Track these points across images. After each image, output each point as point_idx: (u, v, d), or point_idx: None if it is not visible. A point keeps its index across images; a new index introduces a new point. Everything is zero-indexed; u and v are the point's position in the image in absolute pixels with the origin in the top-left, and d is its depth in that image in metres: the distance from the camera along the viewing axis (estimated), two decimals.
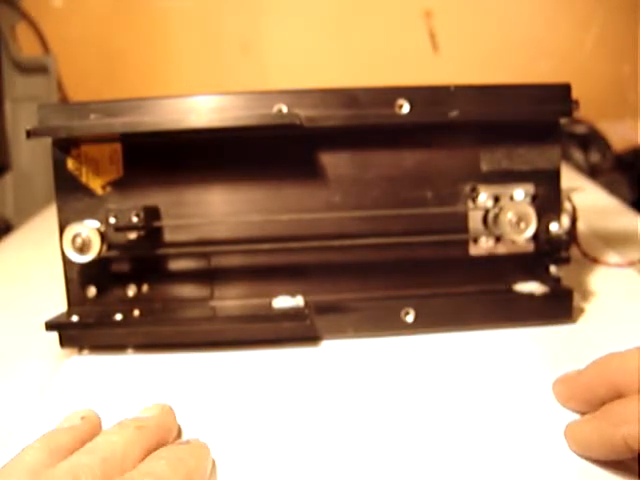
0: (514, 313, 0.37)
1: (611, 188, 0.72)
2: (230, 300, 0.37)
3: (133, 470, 0.23)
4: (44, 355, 0.36)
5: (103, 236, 0.35)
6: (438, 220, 0.37)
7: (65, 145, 0.35)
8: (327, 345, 0.36)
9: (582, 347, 0.34)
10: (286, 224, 0.37)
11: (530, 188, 0.38)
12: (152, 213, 0.36)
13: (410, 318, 0.37)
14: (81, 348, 0.36)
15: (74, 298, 0.36)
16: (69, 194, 0.36)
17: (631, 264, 0.45)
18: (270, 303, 0.36)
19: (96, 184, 0.36)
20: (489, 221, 0.37)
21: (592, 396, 0.27)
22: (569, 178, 0.66)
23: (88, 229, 0.34)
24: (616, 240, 0.50)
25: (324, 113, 0.35)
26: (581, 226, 0.46)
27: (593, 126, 0.94)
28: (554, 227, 0.37)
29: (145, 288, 0.37)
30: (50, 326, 0.34)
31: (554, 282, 0.38)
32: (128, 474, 0.22)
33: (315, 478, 0.25)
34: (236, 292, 0.37)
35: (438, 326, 0.37)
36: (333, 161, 0.37)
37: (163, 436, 0.26)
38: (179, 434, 0.28)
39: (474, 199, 0.38)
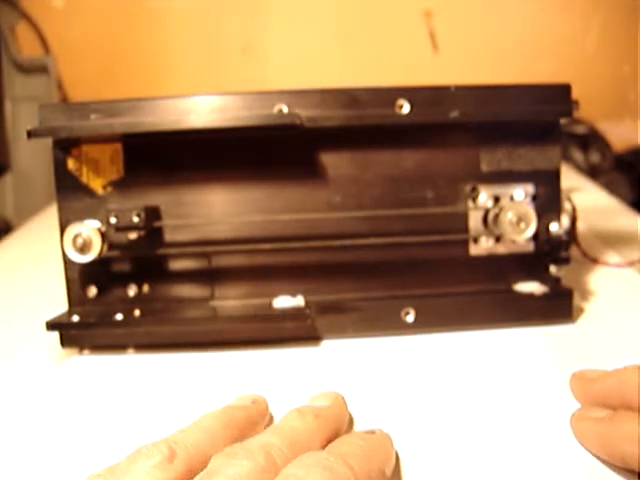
0: (514, 313, 0.37)
1: (611, 188, 0.72)
2: (231, 300, 0.37)
3: (327, 453, 0.22)
4: (44, 355, 0.36)
5: (104, 236, 0.35)
6: (438, 220, 0.37)
7: (66, 145, 0.35)
8: (327, 345, 0.36)
9: (582, 347, 0.34)
10: (286, 224, 0.37)
11: (530, 188, 0.38)
12: (153, 213, 0.36)
13: (410, 318, 0.37)
14: (82, 348, 0.36)
15: (75, 298, 0.36)
16: (70, 194, 0.36)
17: (631, 264, 0.45)
18: (271, 303, 0.36)
19: (97, 184, 0.36)
20: (489, 221, 0.37)
21: (605, 403, 0.27)
22: (569, 178, 0.66)
23: (89, 229, 0.34)
24: (616, 240, 0.50)
25: (324, 113, 0.35)
26: (581, 226, 0.47)
27: (593, 126, 0.94)
28: (554, 227, 0.37)
29: (146, 288, 0.37)
30: (51, 326, 0.34)
31: (554, 282, 0.38)
32: (324, 455, 0.21)
33: None
34: (237, 292, 0.37)
35: (438, 326, 0.37)
36: (333, 161, 0.37)
37: (339, 427, 0.26)
38: (351, 424, 0.28)
39: (474, 199, 0.38)
